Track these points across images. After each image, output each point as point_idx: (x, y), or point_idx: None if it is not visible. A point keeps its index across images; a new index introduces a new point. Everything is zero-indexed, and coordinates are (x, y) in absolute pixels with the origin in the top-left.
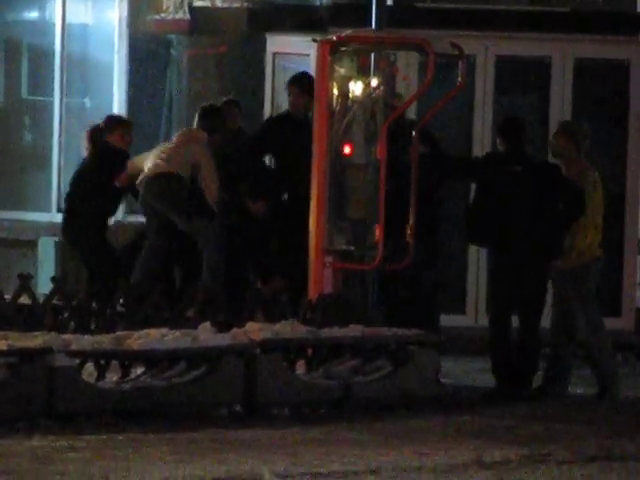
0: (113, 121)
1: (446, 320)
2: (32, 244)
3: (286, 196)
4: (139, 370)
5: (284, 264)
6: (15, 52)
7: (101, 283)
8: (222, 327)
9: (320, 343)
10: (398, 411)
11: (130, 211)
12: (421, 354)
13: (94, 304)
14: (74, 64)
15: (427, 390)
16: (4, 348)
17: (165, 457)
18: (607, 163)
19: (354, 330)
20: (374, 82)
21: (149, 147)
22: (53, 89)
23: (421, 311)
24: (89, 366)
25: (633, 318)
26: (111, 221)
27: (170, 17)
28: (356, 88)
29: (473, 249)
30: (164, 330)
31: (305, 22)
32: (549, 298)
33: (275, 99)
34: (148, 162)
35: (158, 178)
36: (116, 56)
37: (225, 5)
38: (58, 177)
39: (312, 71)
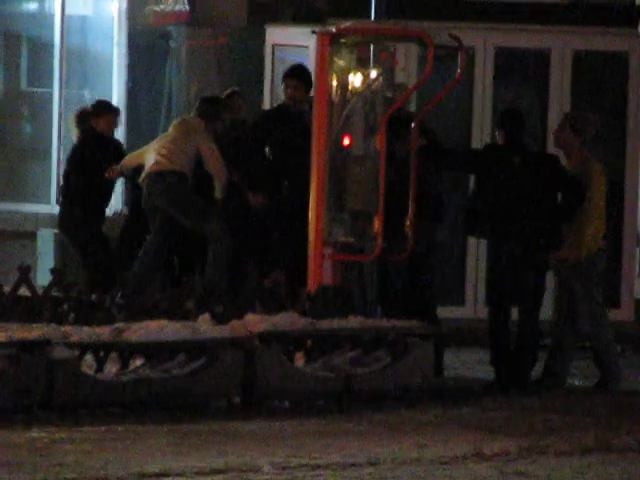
0: (101, 106)
1: (445, 312)
2: (31, 236)
3: (286, 185)
4: (138, 362)
5: (283, 256)
6: (15, 44)
7: (94, 274)
8: (221, 319)
9: (319, 335)
10: (397, 403)
11: (128, 201)
12: (421, 346)
13: (93, 296)
14: (73, 56)
15: (426, 382)
16: (3, 339)
17: (164, 449)
18: (606, 155)
19: (353, 322)
20: (373, 74)
21: (148, 138)
22: (52, 81)
23: (418, 302)
24: (88, 358)
25: (632, 309)
26: (110, 212)
27: (169, 9)
28: (355, 80)
29: (472, 241)
30: (163, 322)
31: (304, 14)
32: (551, 289)
33: (274, 90)
34: (149, 158)
35: (160, 177)
36: (115, 48)
37: None
38: (57, 169)
39: (311, 63)
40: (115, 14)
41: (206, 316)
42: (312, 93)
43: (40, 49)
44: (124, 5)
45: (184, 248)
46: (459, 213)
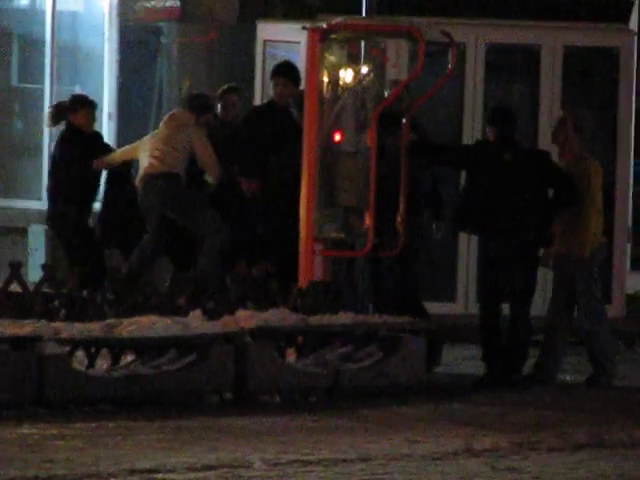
0: (78, 101)
1: (437, 308)
2: (23, 232)
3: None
4: (129, 358)
5: (271, 250)
6: (5, 40)
7: (81, 268)
8: (212, 315)
9: (310, 330)
10: (388, 398)
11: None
12: (412, 342)
13: (85, 292)
14: (64, 52)
15: (417, 377)
16: None
17: (155, 445)
18: (597, 151)
19: (344, 318)
20: (364, 70)
21: (139, 133)
22: (44, 77)
23: (404, 297)
24: (79, 354)
25: (624, 305)
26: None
27: (160, 5)
28: (346, 76)
29: (464, 237)
30: (154, 318)
31: (295, 10)
32: (548, 285)
33: (265, 86)
34: (142, 158)
35: (153, 179)
36: (106, 44)
37: None
38: (49, 165)
39: (302, 59)
40: (106, 10)
41: (197, 312)
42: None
43: (31, 45)
44: (115, 1)
45: (179, 246)
46: (450, 209)
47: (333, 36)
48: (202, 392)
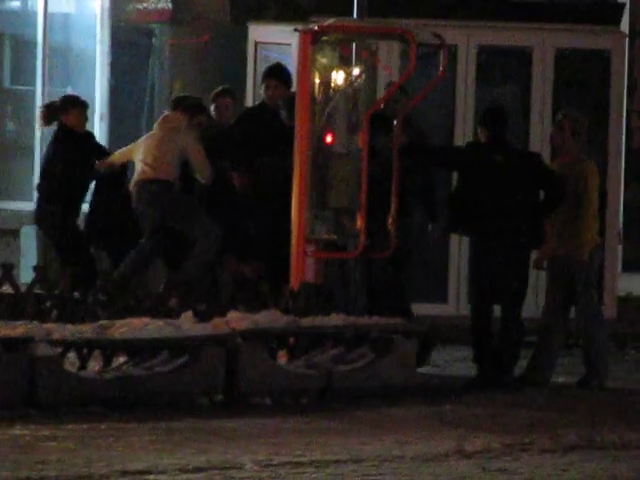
0: (69, 101)
1: (428, 309)
2: (15, 233)
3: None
4: (121, 359)
5: (262, 249)
6: None
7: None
8: (204, 317)
9: (302, 332)
10: (380, 400)
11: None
12: (403, 343)
13: (76, 293)
14: (56, 53)
15: (409, 379)
16: None
17: (147, 446)
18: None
19: (336, 319)
20: (356, 71)
21: (131, 135)
22: (35, 78)
23: (391, 299)
24: (71, 355)
25: (615, 307)
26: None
27: (152, 6)
28: (338, 78)
29: (455, 238)
30: (146, 319)
31: (287, 11)
32: (540, 286)
33: (257, 88)
34: (137, 162)
35: (147, 184)
36: (98, 45)
37: None
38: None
39: (294, 61)
40: (98, 12)
41: (189, 314)
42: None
43: (23, 47)
44: (107, 3)
45: (173, 249)
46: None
47: (325, 38)
48: (193, 394)
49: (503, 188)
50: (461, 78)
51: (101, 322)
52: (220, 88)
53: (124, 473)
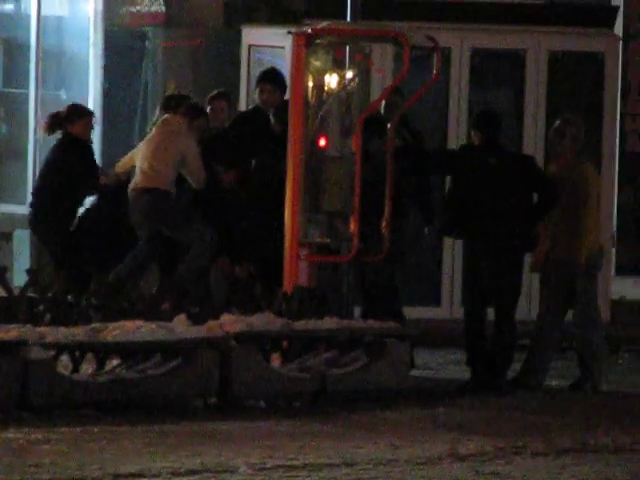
0: (76, 111)
1: (421, 312)
2: (7, 236)
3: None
4: (114, 362)
5: (254, 250)
6: None
7: (66, 272)
8: (197, 319)
9: (295, 335)
10: (373, 403)
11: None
12: (397, 346)
13: (69, 296)
14: (50, 56)
15: (402, 382)
16: None
17: (140, 449)
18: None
19: (329, 322)
20: (349, 74)
21: (124, 138)
22: (28, 81)
23: (385, 301)
24: (64, 358)
25: (608, 310)
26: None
27: (146, 10)
28: (331, 81)
29: (448, 241)
30: (139, 322)
31: (281, 14)
32: (533, 289)
33: (251, 91)
34: (136, 167)
35: (143, 193)
36: (91, 48)
37: None
38: (34, 169)
39: (287, 64)
40: (91, 15)
41: (182, 317)
42: (287, 95)
43: (16, 50)
44: (100, 6)
45: (165, 251)
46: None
47: (318, 41)
48: (187, 397)
49: (496, 191)
50: (454, 81)
51: (94, 325)
52: (216, 92)
53: (117, 476)
